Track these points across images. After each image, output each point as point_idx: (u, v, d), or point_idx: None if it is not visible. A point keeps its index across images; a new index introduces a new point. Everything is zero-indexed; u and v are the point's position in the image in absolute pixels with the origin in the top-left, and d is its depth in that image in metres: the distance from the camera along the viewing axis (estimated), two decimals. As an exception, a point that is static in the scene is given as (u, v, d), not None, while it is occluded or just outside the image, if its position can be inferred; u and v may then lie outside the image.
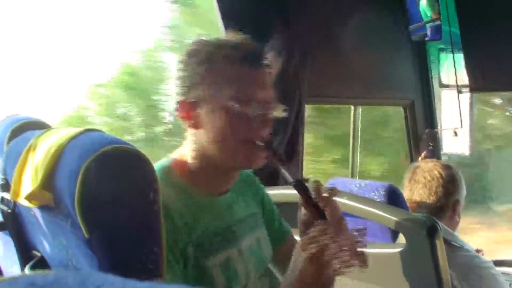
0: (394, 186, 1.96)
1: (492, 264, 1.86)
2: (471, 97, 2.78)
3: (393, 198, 1.91)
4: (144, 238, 1.00)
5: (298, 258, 1.20)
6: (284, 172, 1.28)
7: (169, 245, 1.17)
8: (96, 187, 0.94)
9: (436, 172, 1.95)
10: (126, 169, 0.98)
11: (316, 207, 1.25)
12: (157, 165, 1.33)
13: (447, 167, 1.99)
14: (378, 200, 1.92)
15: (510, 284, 2.54)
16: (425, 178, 1.96)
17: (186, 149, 1.35)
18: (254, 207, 1.49)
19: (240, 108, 1.27)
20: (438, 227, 1.63)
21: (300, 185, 1.26)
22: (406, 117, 2.74)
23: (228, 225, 1.35)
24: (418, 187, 1.95)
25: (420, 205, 1.94)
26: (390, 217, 1.74)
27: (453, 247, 1.78)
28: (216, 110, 1.28)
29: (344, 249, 1.19)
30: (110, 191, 0.96)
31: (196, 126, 1.30)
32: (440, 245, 1.60)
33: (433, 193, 1.93)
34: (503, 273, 2.33)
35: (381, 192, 1.92)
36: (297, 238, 1.39)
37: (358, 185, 1.96)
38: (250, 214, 1.45)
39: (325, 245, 1.18)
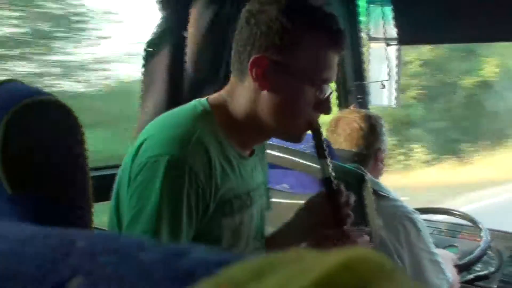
0: (324, 137, 1.98)
1: (417, 214, 1.91)
2: (399, 50, 2.81)
3: (323, 149, 1.93)
4: (70, 194, 0.97)
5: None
6: (324, 163, 1.35)
7: (189, 202, 1.16)
8: (18, 141, 0.89)
9: (355, 125, 1.98)
10: (49, 122, 0.93)
11: (339, 212, 1.34)
12: (190, 105, 1.29)
13: (367, 118, 2.02)
14: (308, 151, 1.93)
15: (433, 230, 2.65)
16: (345, 131, 1.98)
17: (234, 101, 1.30)
18: (263, 176, 1.48)
19: (319, 88, 1.26)
20: (366, 177, 1.66)
21: (330, 183, 1.35)
22: (335, 70, 2.75)
23: (248, 190, 1.33)
24: (339, 140, 1.98)
25: (343, 157, 1.96)
26: (320, 167, 1.75)
27: (379, 196, 1.82)
28: (297, 80, 1.25)
29: None
30: (32, 145, 0.91)
31: (264, 86, 1.25)
32: (368, 195, 1.63)
33: (354, 146, 1.97)
34: (425, 220, 2.42)
35: (311, 143, 1.93)
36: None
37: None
38: (262, 181, 1.44)
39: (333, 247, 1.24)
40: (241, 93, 1.29)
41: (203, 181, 1.18)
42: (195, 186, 1.16)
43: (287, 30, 1.22)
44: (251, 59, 1.24)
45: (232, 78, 1.32)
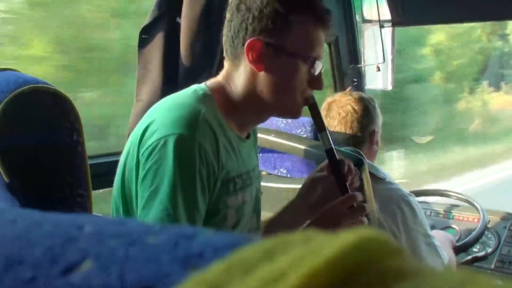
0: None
1: (413, 197, 1.91)
2: (393, 32, 2.81)
3: (320, 133, 1.93)
4: (69, 181, 0.97)
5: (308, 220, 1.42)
6: (324, 135, 1.43)
7: (201, 178, 1.20)
8: (15, 129, 0.89)
9: (349, 108, 1.98)
10: (46, 110, 0.93)
11: (342, 179, 1.43)
12: (190, 89, 1.33)
13: (360, 99, 2.02)
14: (305, 135, 1.93)
15: (431, 212, 2.66)
16: (339, 114, 1.98)
17: (231, 85, 1.35)
18: (256, 159, 1.54)
19: (312, 65, 1.33)
20: (364, 160, 1.66)
21: (333, 153, 1.44)
22: (330, 54, 2.75)
23: (247, 170, 1.39)
24: (334, 123, 1.98)
25: (338, 140, 1.97)
26: (317, 152, 1.76)
27: (375, 179, 1.82)
28: (292, 60, 1.32)
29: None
30: (30, 133, 0.91)
31: (261, 67, 1.30)
32: (366, 178, 1.64)
33: (348, 128, 1.97)
34: (421, 202, 2.42)
35: (308, 127, 1.93)
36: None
37: (284, 122, 1.96)
38: (256, 164, 1.51)
39: (342, 216, 1.37)
40: (238, 76, 1.35)
41: (211, 158, 1.23)
42: (205, 162, 1.21)
43: (278, 13, 1.28)
44: (246, 43, 1.29)
45: (227, 63, 1.38)
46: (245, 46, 1.29)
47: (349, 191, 1.42)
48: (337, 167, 1.44)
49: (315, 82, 1.36)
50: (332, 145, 1.44)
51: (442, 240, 2.12)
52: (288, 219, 1.53)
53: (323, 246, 0.20)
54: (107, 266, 0.23)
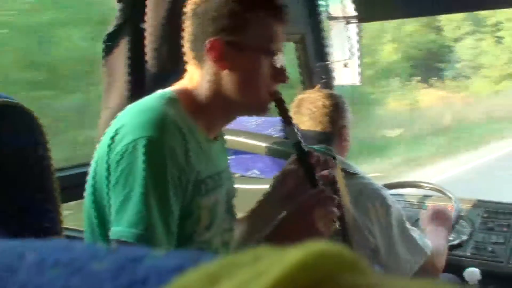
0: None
1: (385, 190, 1.92)
2: (359, 28, 2.82)
3: (291, 132, 1.93)
4: (36, 196, 0.95)
5: (282, 214, 1.42)
6: (291, 129, 1.45)
7: (173, 180, 1.20)
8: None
9: (319, 103, 1.99)
10: (10, 125, 0.91)
11: (312, 173, 1.44)
12: (157, 94, 1.33)
13: (330, 96, 2.03)
14: (276, 135, 1.93)
15: (404, 204, 2.68)
16: (309, 109, 1.99)
17: (197, 87, 1.36)
18: (226, 161, 1.56)
19: (273, 58, 1.35)
20: (336, 158, 1.66)
21: (300, 147, 1.46)
22: (298, 52, 2.75)
23: (218, 171, 1.40)
24: (304, 119, 1.98)
25: (308, 137, 1.97)
26: (289, 151, 1.75)
27: (347, 174, 1.82)
28: (253, 55, 1.33)
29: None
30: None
31: (224, 66, 1.31)
32: (339, 174, 1.64)
33: (318, 124, 1.98)
34: (394, 194, 2.44)
35: (278, 127, 1.93)
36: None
37: (255, 123, 1.96)
38: (226, 165, 1.53)
39: (314, 208, 1.37)
40: (202, 78, 1.36)
41: (181, 160, 1.23)
42: (176, 164, 1.22)
43: (235, 12, 1.31)
44: (207, 44, 1.31)
45: (190, 67, 1.39)
46: (206, 47, 1.31)
47: (318, 181, 1.44)
48: (304, 159, 1.46)
49: (279, 75, 1.38)
50: (299, 138, 1.45)
51: (435, 228, 2.15)
52: (263, 213, 1.56)
53: (269, 267, 0.20)
54: (46, 299, 0.22)
